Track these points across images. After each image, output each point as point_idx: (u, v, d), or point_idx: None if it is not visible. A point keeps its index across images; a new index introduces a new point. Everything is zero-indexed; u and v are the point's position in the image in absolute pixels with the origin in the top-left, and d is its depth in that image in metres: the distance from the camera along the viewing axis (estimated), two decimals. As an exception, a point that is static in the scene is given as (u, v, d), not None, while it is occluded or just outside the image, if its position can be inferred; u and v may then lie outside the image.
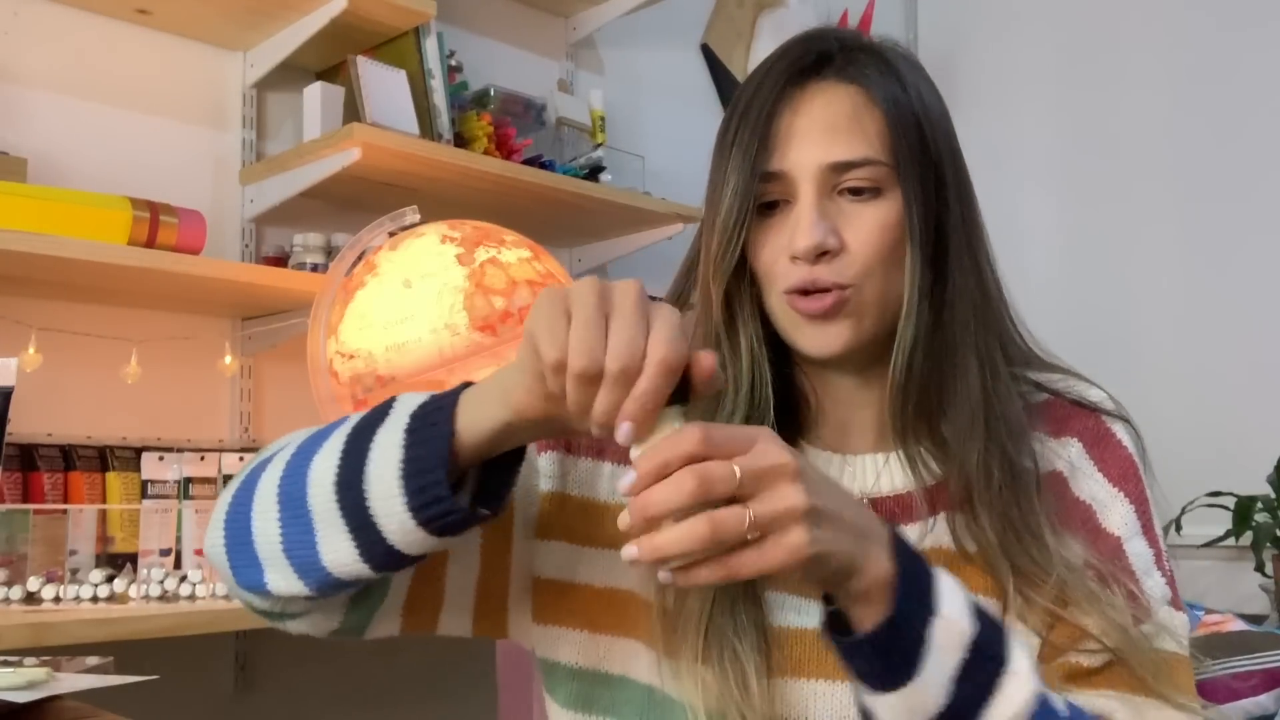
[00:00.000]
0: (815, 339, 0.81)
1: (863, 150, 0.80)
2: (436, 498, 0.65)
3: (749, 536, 0.58)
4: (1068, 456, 0.84)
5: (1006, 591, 0.77)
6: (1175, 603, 0.80)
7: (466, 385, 0.69)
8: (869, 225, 0.81)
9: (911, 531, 0.82)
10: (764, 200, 0.82)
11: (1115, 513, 0.82)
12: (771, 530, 0.59)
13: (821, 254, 0.80)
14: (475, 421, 0.66)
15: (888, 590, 0.63)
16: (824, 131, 0.81)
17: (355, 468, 0.67)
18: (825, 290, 0.80)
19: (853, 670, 0.66)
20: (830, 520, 0.61)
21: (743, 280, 0.84)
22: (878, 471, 0.85)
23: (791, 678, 0.79)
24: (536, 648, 0.86)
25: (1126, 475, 0.83)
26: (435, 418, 0.67)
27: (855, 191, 0.81)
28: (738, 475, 0.58)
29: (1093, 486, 0.83)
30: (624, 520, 0.60)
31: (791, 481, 0.59)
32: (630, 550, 0.59)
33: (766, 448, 0.60)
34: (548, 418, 0.64)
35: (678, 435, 0.59)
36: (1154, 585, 0.79)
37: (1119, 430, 0.85)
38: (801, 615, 0.80)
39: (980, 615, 0.66)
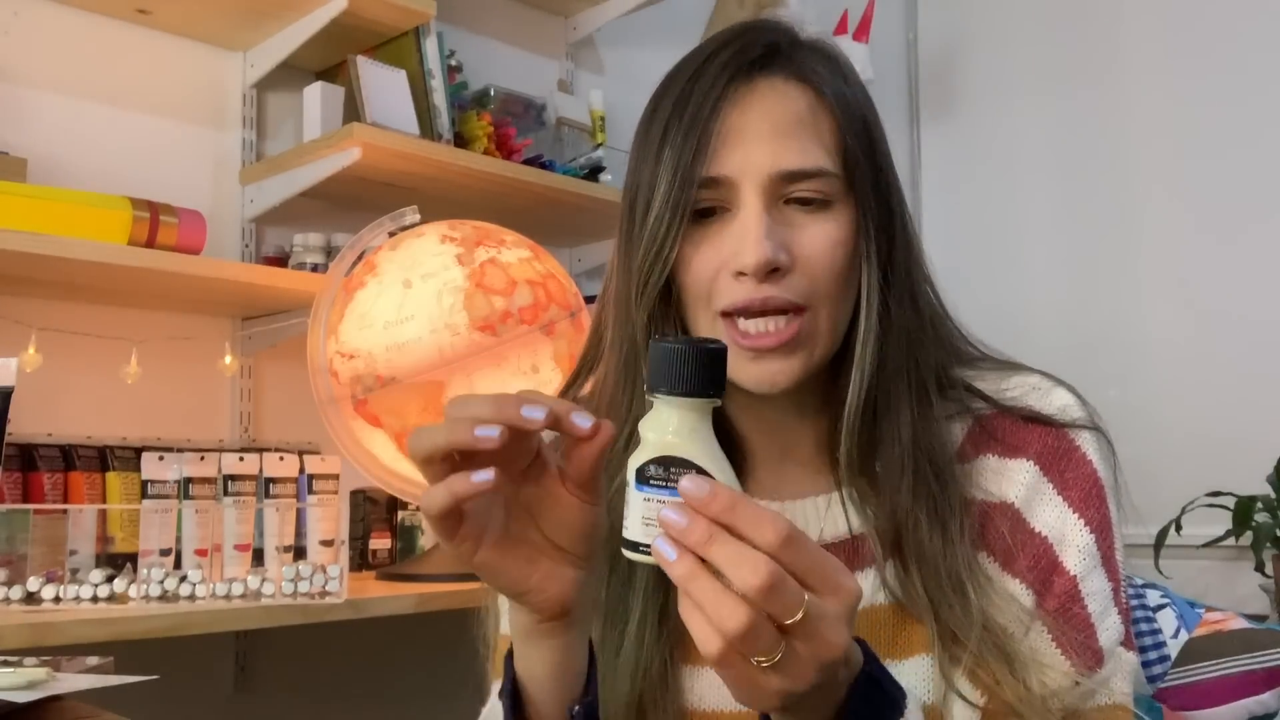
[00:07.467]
0: (762, 373, 0.73)
1: (816, 158, 0.73)
2: None
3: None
4: (1021, 483, 0.76)
5: (935, 645, 0.72)
6: (1127, 640, 0.74)
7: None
8: (820, 240, 0.73)
9: (864, 579, 0.76)
10: (699, 207, 0.74)
11: (1073, 545, 0.74)
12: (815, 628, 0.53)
13: (771, 271, 0.71)
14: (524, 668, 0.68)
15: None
16: (773, 134, 0.73)
17: None
18: (777, 312, 0.72)
19: None
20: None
21: (669, 302, 0.75)
22: (820, 516, 0.79)
23: None
24: None
25: (1089, 498, 0.75)
26: None
27: (804, 202, 0.73)
28: (799, 617, 0.52)
29: (1051, 513, 0.75)
30: (667, 516, 0.54)
31: (845, 619, 0.55)
32: (667, 554, 0.53)
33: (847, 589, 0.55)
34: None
35: (769, 517, 0.53)
36: (1109, 628, 0.74)
37: (1084, 443, 0.77)
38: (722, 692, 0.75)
39: None
